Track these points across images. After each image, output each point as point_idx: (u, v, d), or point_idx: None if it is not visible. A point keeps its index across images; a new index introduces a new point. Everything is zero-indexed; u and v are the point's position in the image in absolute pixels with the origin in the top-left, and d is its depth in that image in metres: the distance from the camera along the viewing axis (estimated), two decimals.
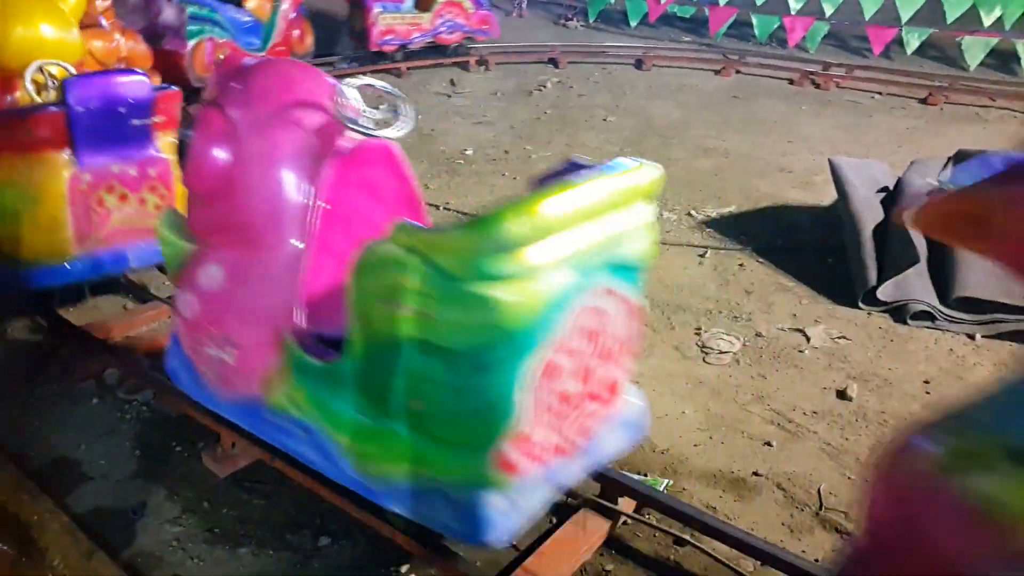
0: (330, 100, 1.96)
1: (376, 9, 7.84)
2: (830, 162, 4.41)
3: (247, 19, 7.11)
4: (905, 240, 3.69)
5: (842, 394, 2.99)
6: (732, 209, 4.85)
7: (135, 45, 5.39)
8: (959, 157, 4.38)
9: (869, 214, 3.93)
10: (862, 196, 4.06)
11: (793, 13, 9.87)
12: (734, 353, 3.28)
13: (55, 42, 3.40)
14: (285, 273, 2.00)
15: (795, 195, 5.03)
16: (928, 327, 3.49)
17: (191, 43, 6.56)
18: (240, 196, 2.03)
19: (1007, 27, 8.86)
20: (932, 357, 3.28)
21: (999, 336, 3.43)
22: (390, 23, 7.97)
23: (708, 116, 6.86)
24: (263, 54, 7.05)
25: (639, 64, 8.74)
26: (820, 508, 2.40)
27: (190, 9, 6.65)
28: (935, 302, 3.54)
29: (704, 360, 3.23)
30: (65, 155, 3.04)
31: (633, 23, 11.07)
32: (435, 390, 1.69)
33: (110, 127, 3.09)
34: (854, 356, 3.27)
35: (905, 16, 9.25)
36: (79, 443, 2.57)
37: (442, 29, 8.37)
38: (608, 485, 2.28)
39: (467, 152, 5.85)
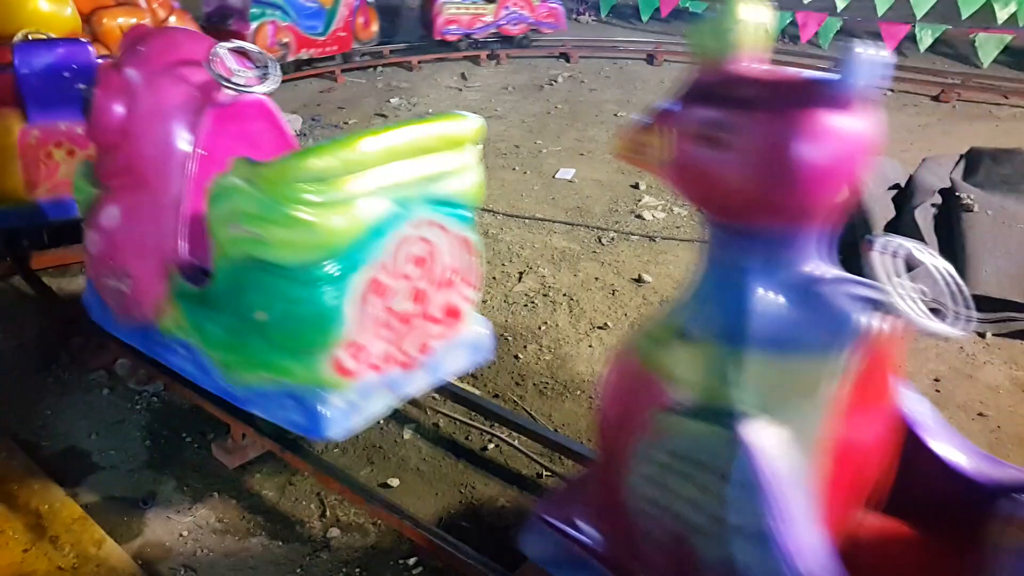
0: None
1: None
2: None
3: (311, 4, 7.61)
4: (917, 237, 3.67)
5: None
6: None
7: (181, 23, 5.75)
8: (971, 155, 4.34)
9: (880, 211, 3.91)
10: (873, 193, 4.03)
11: (806, 7, 9.81)
12: None
13: (47, 14, 3.87)
14: (170, 212, 2.32)
15: None
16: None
17: (253, 25, 7.15)
18: (133, 145, 2.36)
19: (1021, 24, 8.78)
20: (942, 355, 3.27)
21: (1010, 335, 3.41)
22: (454, 13, 8.22)
23: None
24: (323, 38, 7.69)
25: (651, 59, 8.72)
26: None
27: None
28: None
29: None
30: (15, 112, 3.43)
31: (645, 18, 11.02)
32: (274, 303, 1.96)
33: (57, 89, 3.42)
34: None
35: (919, 12, 9.18)
36: (89, 433, 2.59)
37: (506, 20, 8.53)
38: None
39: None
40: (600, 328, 3.40)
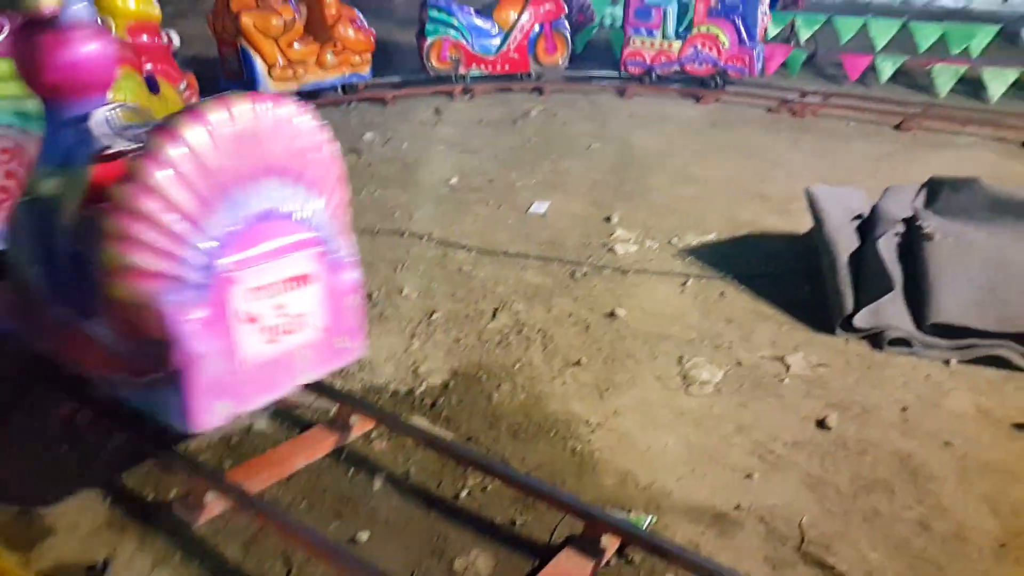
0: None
1: (630, 32, 8.77)
2: (807, 192, 4.46)
3: (487, 26, 8.66)
4: (880, 267, 3.72)
5: (822, 423, 2.99)
6: (713, 237, 4.88)
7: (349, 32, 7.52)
8: (932, 184, 4.43)
9: (844, 242, 3.97)
10: (837, 224, 4.10)
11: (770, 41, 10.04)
12: (716, 383, 3.29)
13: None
14: None
15: (774, 222, 5.08)
16: (905, 353, 3.51)
17: (429, 40, 8.48)
18: None
19: (974, 56, 9.05)
20: (909, 384, 3.30)
21: (974, 361, 3.45)
22: (639, 47, 8.80)
23: (689, 144, 6.93)
24: (493, 57, 8.74)
25: (622, 93, 8.84)
26: (802, 542, 2.39)
27: (431, 12, 8.46)
28: (911, 328, 3.57)
29: (686, 391, 3.23)
30: None
31: (618, 53, 11.16)
32: None
33: None
34: (833, 384, 3.28)
35: (879, 44, 9.43)
36: (47, 492, 2.51)
37: (690, 59, 8.71)
38: (591, 523, 2.26)
39: (451, 181, 5.86)
40: (575, 365, 3.39)
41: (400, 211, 5.25)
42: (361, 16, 8.16)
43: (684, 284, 4.23)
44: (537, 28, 8.67)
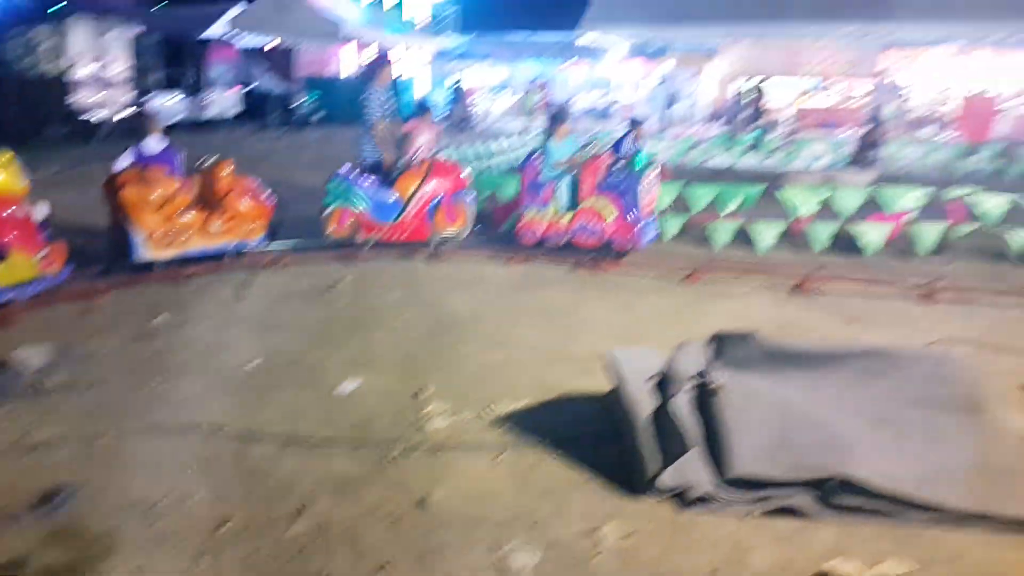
0: None
1: (525, 205, 9.14)
2: (606, 356, 4.65)
3: (387, 195, 9.08)
4: (676, 427, 3.87)
5: None
6: (525, 403, 4.92)
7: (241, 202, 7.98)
8: (717, 338, 4.77)
9: (643, 404, 4.12)
10: (636, 386, 4.27)
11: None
12: (532, 569, 3.17)
13: None
14: None
15: (583, 383, 5.22)
16: (710, 511, 3.60)
17: (328, 208, 8.94)
18: None
19: (743, 211, 10.30)
20: (716, 544, 3.36)
21: (773, 512, 3.60)
22: (532, 219, 9.09)
23: (500, 307, 7.12)
24: (391, 224, 9.11)
25: (434, 258, 9.04)
26: None
27: (331, 183, 8.94)
28: (712, 485, 3.69)
29: None
30: None
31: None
32: None
33: None
34: (644, 554, 3.27)
35: (662, 205, 10.47)
36: None
37: (579, 231, 8.95)
38: None
39: (252, 364, 5.57)
40: (380, 570, 3.15)
41: (191, 404, 4.85)
42: (259, 186, 8.71)
43: (498, 457, 4.17)
44: (437, 199, 9.13)
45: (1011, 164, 15.80)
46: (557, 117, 9.50)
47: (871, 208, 10.23)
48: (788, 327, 6.44)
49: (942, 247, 9.06)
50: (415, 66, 36.02)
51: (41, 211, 6.73)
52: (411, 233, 9.26)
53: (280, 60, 29.25)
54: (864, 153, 14.49)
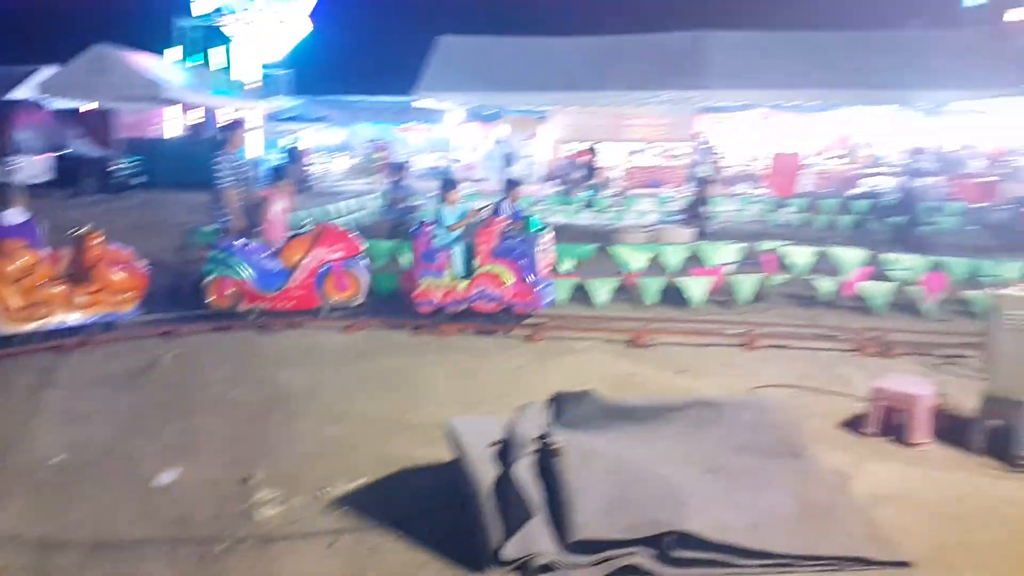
0: None
1: (420, 274, 8.80)
2: (446, 426, 4.54)
3: (271, 264, 8.78)
4: (518, 494, 3.80)
5: None
6: (364, 480, 4.68)
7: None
8: (557, 399, 4.79)
9: (485, 473, 4.03)
10: (477, 456, 4.18)
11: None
12: None
13: None
14: None
15: (424, 454, 5.04)
16: None
17: (208, 278, 8.67)
18: None
19: (577, 268, 10.67)
20: None
21: (616, 573, 3.59)
22: (428, 287, 8.68)
23: (337, 378, 6.82)
24: (276, 294, 8.78)
25: (265, 328, 8.58)
26: None
27: (211, 252, 8.71)
28: (557, 551, 3.63)
29: None
30: None
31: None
32: None
33: None
34: None
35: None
36: None
37: (477, 297, 8.59)
38: None
39: (55, 461, 4.94)
40: None
41: None
42: (131, 256, 8.35)
43: (334, 544, 3.90)
44: (326, 267, 8.86)
45: (816, 216, 17.50)
46: (447, 184, 9.45)
47: (694, 262, 10.91)
48: (625, 380, 6.62)
49: (759, 295, 9.77)
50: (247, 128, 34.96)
51: None
52: (298, 302, 8.88)
53: (96, 123, 27.26)
54: (695, 209, 15.51)
